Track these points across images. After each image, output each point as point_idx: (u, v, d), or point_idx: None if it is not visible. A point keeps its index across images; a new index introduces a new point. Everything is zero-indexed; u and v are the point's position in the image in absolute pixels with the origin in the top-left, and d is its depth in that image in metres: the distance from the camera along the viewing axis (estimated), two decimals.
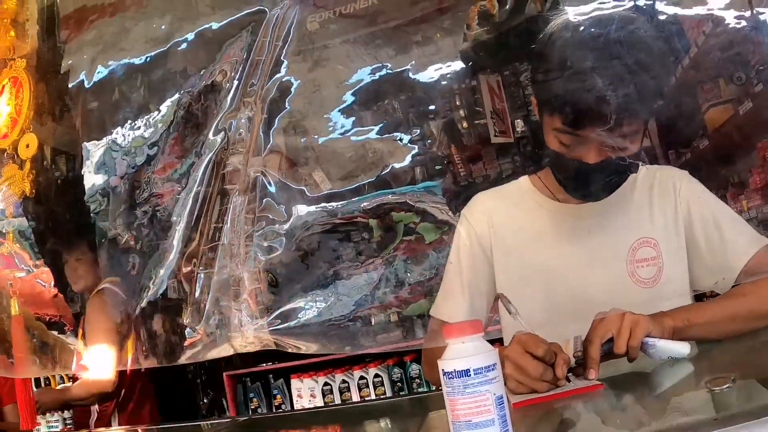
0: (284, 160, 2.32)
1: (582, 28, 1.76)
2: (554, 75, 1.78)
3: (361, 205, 2.13)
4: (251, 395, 6.05)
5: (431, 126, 3.28)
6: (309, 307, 1.99)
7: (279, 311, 1.97)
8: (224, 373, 6.11)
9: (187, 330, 2.07)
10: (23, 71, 2.88)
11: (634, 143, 1.78)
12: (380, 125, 2.38)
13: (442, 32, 2.58)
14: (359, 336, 2.05)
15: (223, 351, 2.05)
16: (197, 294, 2.08)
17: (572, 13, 1.79)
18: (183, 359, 2.06)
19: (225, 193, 2.09)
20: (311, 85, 2.37)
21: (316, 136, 2.38)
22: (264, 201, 2.07)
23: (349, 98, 2.34)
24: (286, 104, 2.14)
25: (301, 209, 2.09)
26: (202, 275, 2.08)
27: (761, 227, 2.13)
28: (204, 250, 2.08)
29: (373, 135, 2.34)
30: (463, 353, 1.27)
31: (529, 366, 1.60)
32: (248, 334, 1.98)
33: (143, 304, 2.19)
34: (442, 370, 1.28)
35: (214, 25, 2.21)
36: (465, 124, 3.64)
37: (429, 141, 3.27)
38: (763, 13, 1.88)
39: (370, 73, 2.33)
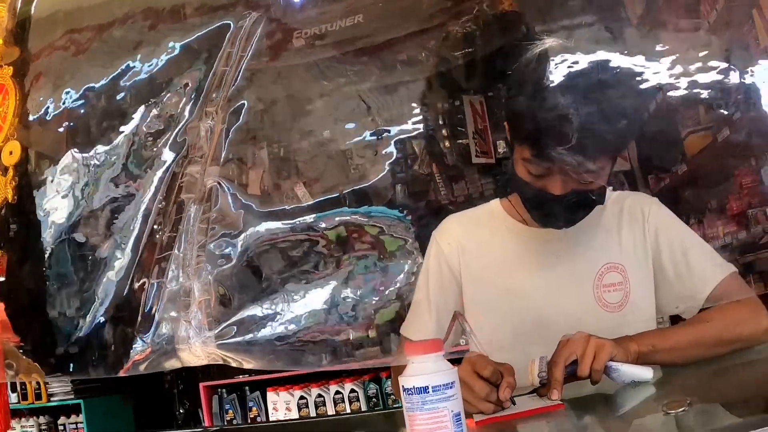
0: (266, 175, 2.33)
1: (559, 64, 1.79)
2: (525, 105, 1.82)
3: (320, 224, 2.14)
4: (227, 407, 6.05)
5: (413, 144, 3.30)
6: (258, 321, 1.99)
7: (227, 323, 1.97)
8: (201, 384, 6.11)
9: (137, 340, 2.06)
10: (9, 78, 2.88)
11: (600, 177, 1.80)
12: (362, 137, 2.39)
13: (426, 51, 2.61)
14: (304, 356, 2.05)
15: (171, 363, 2.04)
16: (148, 305, 2.08)
17: (550, 44, 1.82)
18: (132, 371, 2.05)
19: (180, 202, 2.10)
20: (290, 99, 2.39)
21: (295, 153, 2.39)
22: (218, 211, 2.07)
23: (331, 111, 2.37)
24: (266, 121, 2.15)
25: (255, 222, 2.10)
26: (155, 285, 2.07)
27: (737, 252, 2.15)
28: (157, 260, 2.08)
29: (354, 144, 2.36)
30: (422, 371, 1.30)
31: (476, 386, 1.61)
32: (196, 346, 1.97)
33: (94, 312, 2.19)
34: (403, 386, 1.30)
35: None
36: (447, 144, 3.66)
37: (411, 159, 3.28)
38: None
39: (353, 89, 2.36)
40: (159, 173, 2.10)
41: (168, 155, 2.11)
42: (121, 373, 2.04)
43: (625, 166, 3.29)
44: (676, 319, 2.05)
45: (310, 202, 2.24)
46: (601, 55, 1.78)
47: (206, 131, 2.08)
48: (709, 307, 1.92)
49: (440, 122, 3.50)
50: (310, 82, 2.39)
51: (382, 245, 2.15)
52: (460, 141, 3.69)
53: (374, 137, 2.31)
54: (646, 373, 1.68)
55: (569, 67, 1.76)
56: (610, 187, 2.14)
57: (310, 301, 2.05)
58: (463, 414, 1.28)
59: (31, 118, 2.53)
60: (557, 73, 1.76)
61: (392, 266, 2.15)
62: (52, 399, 6.70)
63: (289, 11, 2.36)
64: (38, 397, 6.72)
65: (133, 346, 2.05)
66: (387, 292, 2.10)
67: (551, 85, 1.75)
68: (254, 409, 5.96)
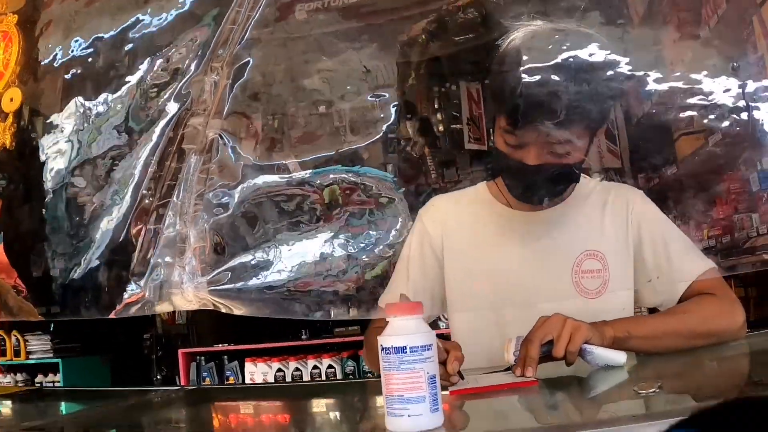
0: (259, 146, 2.36)
1: (536, 33, 1.84)
2: (503, 74, 1.86)
3: (316, 180, 2.17)
4: (204, 374, 6.09)
5: (407, 126, 3.31)
6: (250, 269, 2.02)
7: (220, 269, 2.00)
8: (179, 351, 6.13)
9: (130, 284, 2.08)
10: (14, 26, 2.88)
11: (575, 151, 1.85)
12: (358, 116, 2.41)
13: (427, 33, 2.63)
14: (293, 305, 2.07)
15: (164, 307, 2.07)
16: (144, 250, 2.10)
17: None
18: (123, 313, 2.08)
19: (182, 152, 2.12)
20: (291, 71, 2.41)
21: (288, 128, 2.41)
22: (218, 162, 2.10)
23: (327, 88, 2.39)
24: (262, 93, 2.18)
25: (253, 174, 2.12)
26: (152, 231, 2.10)
27: (719, 256, 2.18)
28: (155, 207, 2.10)
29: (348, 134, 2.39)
30: (401, 331, 1.33)
31: None
32: (188, 292, 2.00)
33: (90, 256, 2.21)
34: (381, 345, 1.33)
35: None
36: (441, 128, 3.69)
37: (404, 141, 3.30)
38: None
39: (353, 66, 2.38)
40: (161, 124, 2.13)
41: (172, 107, 2.13)
42: (113, 315, 2.06)
43: (616, 163, 3.33)
44: (653, 311, 2.09)
45: (300, 175, 2.26)
46: (594, 41, 1.82)
47: (211, 85, 2.11)
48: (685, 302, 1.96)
49: (435, 106, 3.52)
50: (309, 56, 2.40)
51: (373, 203, 2.18)
52: (454, 126, 3.72)
53: (374, 99, 2.33)
54: (619, 357, 1.72)
55: (563, 47, 1.79)
56: (599, 177, 2.19)
57: (301, 252, 2.08)
58: (438, 377, 1.31)
59: (43, 62, 2.52)
60: (551, 51, 1.80)
61: (382, 224, 2.17)
62: (30, 357, 6.72)
63: None
64: (17, 354, 6.73)
65: (127, 289, 2.08)
66: (377, 250, 2.13)
67: (528, 54, 1.79)
68: (231, 378, 6.00)
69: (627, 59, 1.85)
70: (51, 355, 6.65)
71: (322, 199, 2.16)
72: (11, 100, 2.77)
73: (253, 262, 2.01)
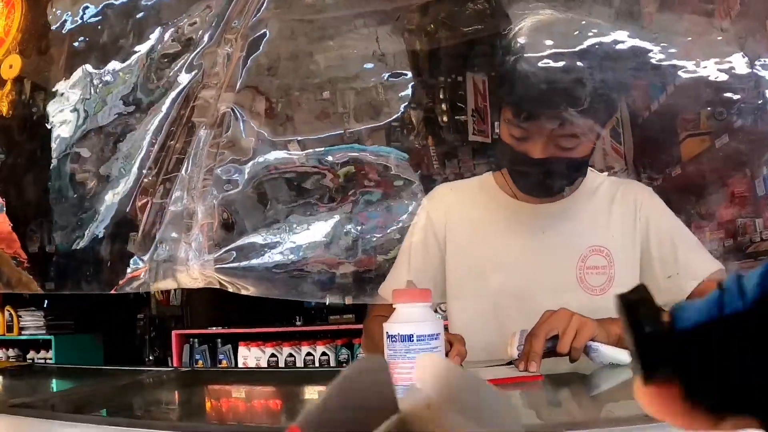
0: (262, 128, 2.33)
1: (542, 24, 1.82)
2: (508, 64, 1.84)
3: (328, 158, 2.14)
4: (197, 357, 6.07)
5: (412, 115, 3.30)
6: (259, 248, 1.99)
7: (228, 248, 1.97)
8: (173, 332, 6.12)
9: (133, 259, 2.06)
10: None
11: (581, 146, 1.83)
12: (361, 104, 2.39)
13: (435, 23, 2.60)
14: (303, 286, 2.05)
15: (167, 284, 2.04)
16: (149, 224, 2.07)
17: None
18: (125, 288, 2.05)
19: (191, 125, 2.09)
20: (293, 55, 2.38)
21: (291, 111, 2.38)
22: (230, 137, 2.07)
23: (334, 72, 2.36)
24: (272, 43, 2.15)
25: (265, 150, 2.09)
26: (157, 205, 2.07)
27: (721, 259, 2.16)
28: (162, 180, 2.07)
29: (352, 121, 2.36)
30: (408, 318, 1.31)
31: None
32: (194, 269, 1.97)
33: (93, 229, 2.18)
34: (387, 332, 1.31)
35: None
36: (445, 119, 3.67)
37: (407, 130, 3.29)
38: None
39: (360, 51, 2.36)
40: (172, 95, 2.09)
41: (183, 78, 2.09)
42: (114, 290, 2.04)
43: (620, 162, 3.32)
44: None
45: (303, 160, 2.24)
46: (602, 30, 1.80)
47: (224, 57, 2.08)
48: None
49: (440, 96, 3.51)
50: (315, 40, 2.38)
51: (388, 183, 2.16)
52: (459, 117, 3.70)
53: (379, 86, 2.31)
54: (625, 356, 1.68)
55: (570, 37, 1.78)
56: (605, 173, 2.16)
57: (312, 232, 2.05)
58: None
59: (52, 28, 2.49)
60: (558, 42, 1.78)
61: (396, 205, 2.15)
62: (23, 332, 6.70)
63: None
64: (9, 329, 6.71)
65: (130, 264, 2.05)
66: (389, 231, 2.11)
67: (536, 48, 1.78)
68: (224, 361, 5.98)
69: (637, 49, 1.83)
70: (44, 331, 6.62)
71: (336, 178, 2.13)
72: (10, 67, 2.74)
73: (262, 241, 1.98)
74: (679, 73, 1.96)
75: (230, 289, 1.89)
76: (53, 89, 2.38)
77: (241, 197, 2.03)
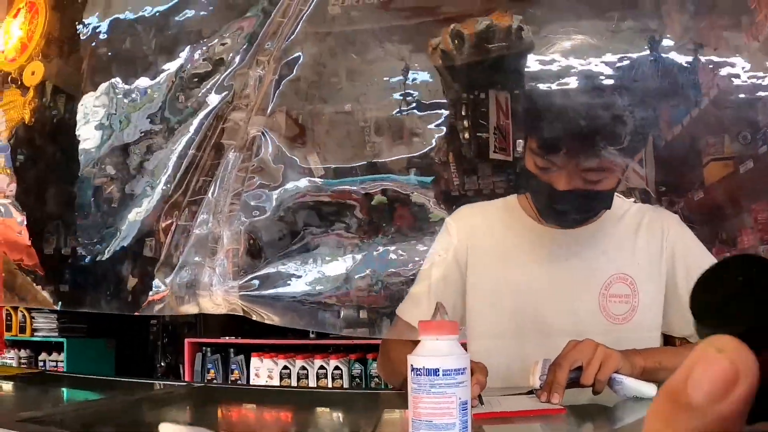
0: (279, 120, 2.31)
1: (573, 52, 1.79)
2: (537, 99, 1.82)
3: (356, 187, 2.12)
4: (209, 366, 6.04)
5: (433, 130, 3.27)
6: (285, 278, 1.97)
7: (253, 275, 1.95)
8: (186, 340, 6.10)
9: (155, 281, 2.03)
10: None
11: (607, 180, 1.79)
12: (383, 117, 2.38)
13: (459, 39, 2.58)
14: (327, 318, 2.02)
15: (188, 308, 2.02)
16: (172, 246, 2.05)
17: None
18: (147, 311, 2.03)
19: (218, 147, 2.07)
20: (326, 67, 2.37)
21: (312, 123, 2.37)
22: (259, 162, 2.05)
23: (355, 86, 2.35)
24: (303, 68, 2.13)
25: (295, 177, 2.07)
26: (181, 227, 2.05)
27: None
28: (187, 202, 2.05)
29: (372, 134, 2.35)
30: (435, 352, 1.26)
31: None
32: (217, 295, 1.95)
33: (114, 247, 2.16)
34: (411, 365, 1.27)
35: None
36: (467, 135, 3.64)
37: (428, 145, 3.26)
38: None
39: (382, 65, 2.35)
40: (200, 116, 2.07)
41: (212, 99, 2.08)
42: (136, 312, 2.02)
43: (641, 184, 3.28)
44: (667, 341, 2.04)
45: (321, 173, 2.22)
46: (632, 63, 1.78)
47: (255, 80, 2.06)
48: None
49: (462, 113, 3.48)
50: (338, 54, 2.36)
51: (418, 217, 2.13)
52: (480, 134, 3.67)
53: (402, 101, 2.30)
54: (649, 389, 1.65)
55: (600, 70, 1.76)
56: (632, 199, 2.13)
57: (340, 264, 2.03)
58: (470, 403, 1.25)
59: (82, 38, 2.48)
60: (588, 75, 1.76)
61: (425, 240, 2.13)
62: (35, 334, 6.69)
63: None
64: (22, 330, 6.71)
65: (152, 286, 2.03)
66: (415, 266, 2.09)
67: (564, 84, 1.76)
68: (236, 372, 5.95)
69: (666, 71, 1.81)
70: (56, 334, 6.60)
71: (366, 209, 2.11)
72: (33, 73, 2.74)
73: (288, 271, 1.96)
74: (704, 96, 1.94)
75: (254, 318, 1.86)
76: (80, 104, 2.36)
77: (269, 224, 2.01)
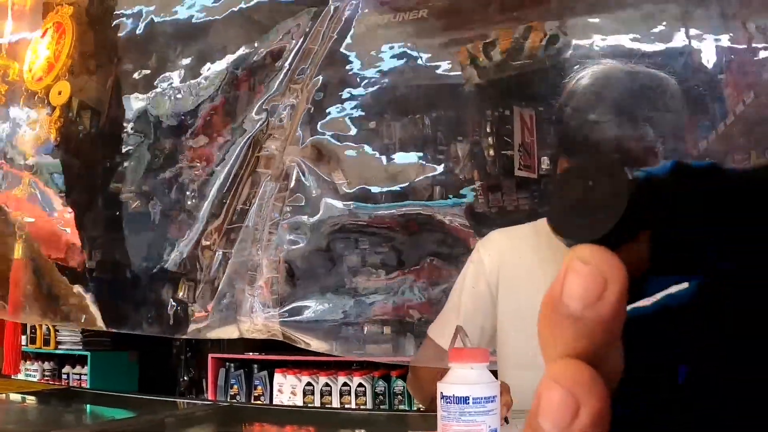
0: (313, 150, 2.31)
1: (604, 75, 1.77)
2: (567, 118, 1.79)
3: (392, 212, 2.12)
4: (233, 381, 6.02)
5: (458, 148, 3.26)
6: (323, 306, 1.97)
7: (293, 305, 1.95)
8: (210, 355, 6.09)
9: (196, 306, 2.04)
10: (69, 18, 2.86)
11: None
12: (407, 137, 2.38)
13: (483, 56, 2.57)
14: (368, 343, 2.02)
15: (228, 332, 2.03)
16: (212, 272, 2.06)
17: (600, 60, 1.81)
18: (187, 334, 2.04)
19: (255, 176, 2.07)
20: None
21: (339, 140, 2.36)
22: (295, 192, 2.05)
23: (380, 88, 2.34)
24: (336, 99, 2.13)
25: (331, 205, 2.07)
26: (221, 254, 2.05)
27: None
28: (226, 230, 2.06)
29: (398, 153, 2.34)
30: (465, 380, 1.25)
31: None
32: (257, 320, 1.95)
33: (156, 270, 2.17)
34: (441, 393, 1.26)
35: None
36: (491, 153, 3.61)
37: (453, 163, 3.24)
38: None
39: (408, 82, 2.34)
40: (241, 143, 2.09)
41: (248, 125, 2.09)
42: (179, 336, 2.04)
43: None
44: None
45: (348, 190, 2.21)
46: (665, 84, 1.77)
47: (289, 108, 2.06)
48: None
49: (487, 130, 3.46)
50: (364, 54, 2.36)
51: (455, 245, 2.13)
52: (505, 152, 3.65)
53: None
54: None
55: (615, 81, 1.75)
56: None
57: (380, 295, 2.03)
58: (499, 430, 1.23)
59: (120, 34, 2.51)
60: (621, 95, 1.75)
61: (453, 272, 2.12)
62: (59, 347, 6.72)
63: None
64: (46, 342, 6.74)
65: (194, 311, 2.04)
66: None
67: (593, 101, 1.75)
68: (259, 387, 5.93)
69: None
70: (80, 347, 6.62)
71: (404, 236, 2.11)
72: (59, 93, 2.75)
73: (328, 302, 1.96)
74: (729, 112, 1.92)
75: (298, 344, 1.87)
76: (122, 133, 2.39)
77: (307, 254, 2.02)
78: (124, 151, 2.41)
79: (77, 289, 2.48)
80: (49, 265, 2.64)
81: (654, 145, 1.71)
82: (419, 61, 2.34)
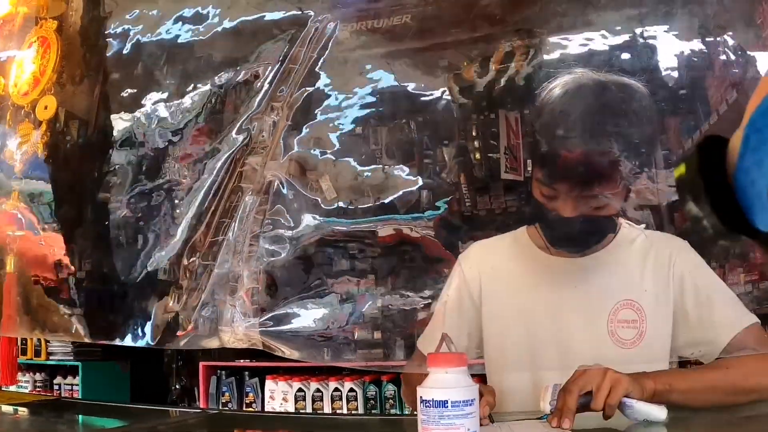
0: (295, 164, 2.34)
1: (574, 88, 1.81)
2: (538, 129, 1.84)
3: (369, 226, 2.16)
4: (224, 389, 6.03)
5: (444, 152, 3.29)
6: (302, 315, 2.00)
7: (273, 314, 1.98)
8: (201, 363, 6.09)
9: (181, 318, 2.08)
10: (53, 32, 2.88)
11: (612, 203, 1.82)
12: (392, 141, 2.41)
13: (469, 60, 2.60)
14: (345, 350, 2.06)
15: (210, 342, 2.06)
16: (194, 283, 2.09)
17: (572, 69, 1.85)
18: (172, 345, 2.08)
19: (236, 190, 2.11)
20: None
21: (327, 151, 2.39)
22: (275, 205, 2.09)
23: (360, 106, 2.37)
24: (317, 115, 2.16)
25: (310, 219, 2.11)
26: (202, 267, 2.09)
27: (755, 303, 2.13)
28: (208, 243, 2.09)
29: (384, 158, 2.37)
30: (443, 384, 1.29)
31: None
32: (239, 330, 1.99)
33: (140, 284, 2.20)
34: (421, 397, 1.29)
35: (261, 17, 2.24)
36: (478, 156, 3.65)
37: (439, 166, 3.28)
38: None
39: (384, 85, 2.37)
40: (221, 159, 2.13)
41: (231, 142, 2.13)
42: (163, 347, 2.08)
43: (653, 201, 3.27)
44: (683, 364, 2.05)
45: (333, 196, 2.25)
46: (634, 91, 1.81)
47: (270, 125, 2.10)
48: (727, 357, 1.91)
49: (473, 133, 3.49)
50: (350, 77, 2.39)
51: (428, 258, 2.16)
52: (491, 155, 3.68)
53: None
54: (660, 412, 1.67)
55: (601, 99, 1.79)
56: (642, 225, 2.14)
57: (358, 301, 2.06)
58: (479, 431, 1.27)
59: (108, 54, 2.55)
60: (590, 104, 1.78)
61: (435, 279, 2.16)
62: (50, 357, 6.71)
63: (340, 4, 2.37)
64: (37, 353, 6.73)
65: (178, 321, 2.07)
66: (428, 303, 2.12)
67: (563, 111, 1.79)
68: (251, 395, 5.94)
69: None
70: (71, 357, 6.62)
71: (378, 249, 2.14)
72: (45, 108, 2.77)
73: (306, 308, 1.99)
74: (714, 110, 1.96)
75: (276, 353, 1.91)
76: (111, 149, 2.43)
77: (287, 264, 2.05)
78: (111, 165, 2.44)
79: (62, 306, 2.51)
80: (33, 280, 2.67)
81: (619, 159, 1.75)
82: (397, 81, 2.37)
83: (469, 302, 2.13)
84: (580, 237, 1.91)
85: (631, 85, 1.83)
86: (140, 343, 2.25)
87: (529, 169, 1.97)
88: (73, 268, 2.60)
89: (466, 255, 2.22)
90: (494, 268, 2.14)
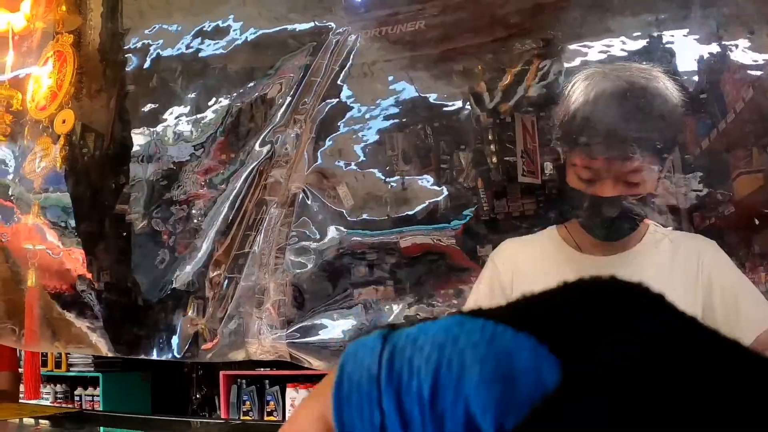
0: (314, 174, 2.34)
1: (596, 98, 1.81)
2: (572, 112, 1.83)
3: (393, 238, 2.15)
4: (245, 398, 6.01)
5: (461, 156, 3.27)
6: (329, 326, 2.00)
7: (300, 325, 1.98)
8: (221, 372, 6.08)
9: (206, 330, 2.07)
10: (69, 47, 2.88)
11: (646, 182, 1.81)
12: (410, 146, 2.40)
13: (483, 65, 2.59)
14: None
15: (237, 355, 2.06)
16: (220, 296, 2.09)
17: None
18: (200, 358, 2.07)
19: (261, 203, 2.10)
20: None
21: (348, 162, 2.38)
22: (300, 217, 2.08)
23: (383, 117, 2.37)
24: (339, 128, 2.15)
25: (337, 231, 2.10)
26: (227, 279, 2.08)
27: None
28: (233, 256, 2.08)
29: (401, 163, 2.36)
30: None
31: None
32: (265, 342, 1.99)
33: (166, 298, 2.20)
34: None
35: (284, 29, 2.24)
36: (494, 160, 3.63)
37: (456, 171, 3.26)
38: None
39: (406, 96, 2.36)
40: (245, 172, 2.13)
41: (255, 155, 2.12)
42: (189, 360, 2.07)
43: (672, 200, 3.25)
44: None
45: (351, 203, 2.24)
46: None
47: (294, 138, 2.10)
48: None
49: (489, 137, 3.48)
50: (364, 84, 2.38)
51: (454, 269, 2.15)
52: (508, 158, 3.66)
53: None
54: None
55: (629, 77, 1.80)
56: (670, 227, 2.13)
57: (385, 313, 2.06)
58: None
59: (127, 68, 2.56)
60: (618, 82, 1.80)
61: (464, 290, 2.15)
62: (71, 369, 6.71)
63: (354, 10, 2.36)
64: (58, 365, 6.73)
65: (205, 334, 2.07)
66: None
67: (598, 91, 1.79)
68: (272, 403, 5.93)
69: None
70: (92, 369, 6.61)
71: (402, 259, 2.13)
72: (63, 122, 2.77)
73: (333, 322, 1.98)
74: (730, 109, 1.94)
75: (304, 365, 1.90)
76: (127, 165, 2.43)
77: (313, 276, 2.05)
78: (132, 179, 2.44)
79: (84, 320, 2.52)
80: (54, 294, 2.68)
81: (642, 164, 1.75)
82: (418, 92, 2.37)
83: (501, 296, 2.11)
84: (617, 222, 1.90)
85: (658, 87, 1.83)
86: (166, 357, 2.24)
87: (547, 172, 1.96)
88: (94, 282, 2.59)
89: (497, 252, 2.20)
90: (526, 266, 2.13)
